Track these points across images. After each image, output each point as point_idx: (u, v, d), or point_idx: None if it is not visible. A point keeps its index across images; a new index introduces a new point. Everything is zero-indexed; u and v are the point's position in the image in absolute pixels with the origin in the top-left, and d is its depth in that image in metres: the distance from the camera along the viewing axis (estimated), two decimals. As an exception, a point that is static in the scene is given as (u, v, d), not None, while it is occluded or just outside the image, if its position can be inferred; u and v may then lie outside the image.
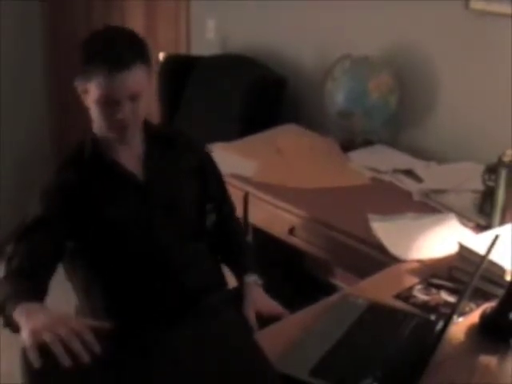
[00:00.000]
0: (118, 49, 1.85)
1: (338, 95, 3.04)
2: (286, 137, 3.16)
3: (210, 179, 2.20)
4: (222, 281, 2.22)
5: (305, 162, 2.95)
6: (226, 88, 3.38)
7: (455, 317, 1.68)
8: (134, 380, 1.59)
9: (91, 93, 1.89)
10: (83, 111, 2.00)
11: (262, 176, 2.67)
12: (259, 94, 3.34)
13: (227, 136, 3.10)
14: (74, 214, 1.94)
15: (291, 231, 2.57)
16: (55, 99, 4.57)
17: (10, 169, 4.26)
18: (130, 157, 2.02)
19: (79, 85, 1.93)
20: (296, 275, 3.36)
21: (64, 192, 1.94)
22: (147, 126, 2.04)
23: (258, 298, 2.05)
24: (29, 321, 1.57)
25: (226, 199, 2.29)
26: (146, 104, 1.95)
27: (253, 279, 2.11)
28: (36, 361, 1.47)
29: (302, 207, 2.56)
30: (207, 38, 3.85)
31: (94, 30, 1.98)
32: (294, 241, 2.59)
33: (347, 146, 3.09)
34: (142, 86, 1.91)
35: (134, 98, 1.89)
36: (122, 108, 1.88)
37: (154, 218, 2.02)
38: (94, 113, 1.93)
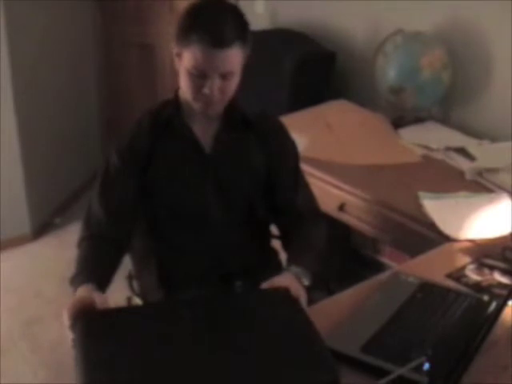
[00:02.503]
0: (222, 26, 1.83)
1: (389, 71, 3.01)
2: (336, 112, 3.14)
3: (282, 170, 2.11)
4: (267, 266, 2.19)
5: (355, 138, 2.93)
6: (276, 63, 3.36)
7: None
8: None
9: (184, 60, 1.88)
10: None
11: (311, 151, 2.65)
12: (309, 69, 3.33)
13: (276, 111, 3.04)
14: (139, 169, 1.98)
15: (341, 207, 2.56)
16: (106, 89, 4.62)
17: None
18: (205, 128, 2.01)
19: (175, 47, 1.91)
20: (343, 251, 3.35)
21: (134, 146, 1.98)
22: (231, 103, 2.00)
23: (287, 284, 1.83)
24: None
25: (298, 194, 2.13)
26: (236, 84, 1.93)
27: (296, 272, 1.90)
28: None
29: (353, 183, 2.55)
30: (257, 12, 3.83)
31: None
32: (344, 217, 2.59)
33: (397, 122, 3.06)
34: (236, 66, 1.89)
35: (225, 76, 1.87)
36: (210, 83, 1.86)
37: (208, 196, 2.03)
38: (183, 79, 1.92)
